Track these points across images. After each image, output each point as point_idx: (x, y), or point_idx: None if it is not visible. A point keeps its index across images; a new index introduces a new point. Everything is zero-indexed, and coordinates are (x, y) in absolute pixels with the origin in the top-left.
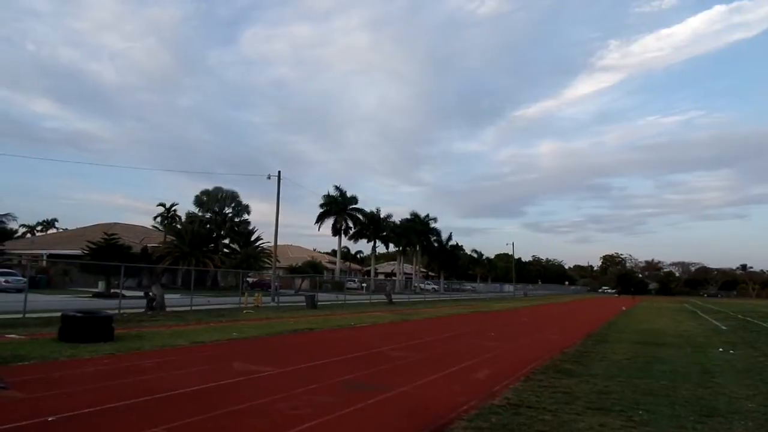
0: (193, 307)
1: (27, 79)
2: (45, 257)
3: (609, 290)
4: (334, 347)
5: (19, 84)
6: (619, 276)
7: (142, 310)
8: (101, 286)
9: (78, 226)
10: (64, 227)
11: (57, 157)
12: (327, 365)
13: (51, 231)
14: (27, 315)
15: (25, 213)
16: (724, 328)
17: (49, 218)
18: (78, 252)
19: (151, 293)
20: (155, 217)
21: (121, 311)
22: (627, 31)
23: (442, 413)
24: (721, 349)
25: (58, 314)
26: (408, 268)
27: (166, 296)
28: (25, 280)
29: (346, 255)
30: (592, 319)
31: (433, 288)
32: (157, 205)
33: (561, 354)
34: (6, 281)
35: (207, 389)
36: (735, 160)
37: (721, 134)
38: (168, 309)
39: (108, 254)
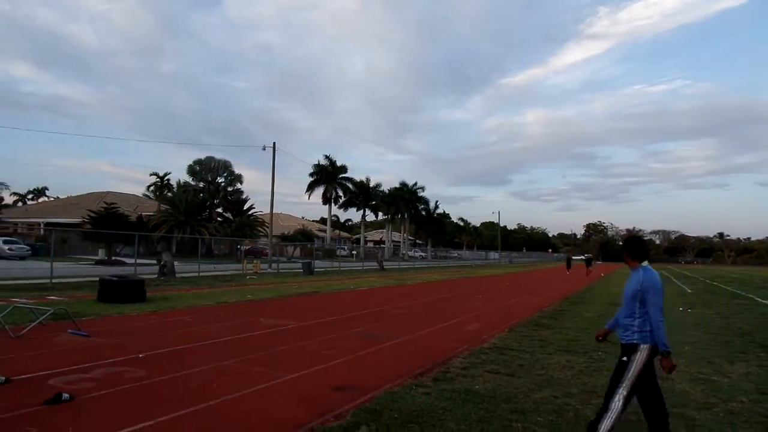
0: (201, 274)
1: (3, 40)
2: (42, 225)
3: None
4: (340, 306)
5: None
6: (600, 244)
7: (154, 276)
8: (101, 254)
9: (67, 195)
10: (54, 195)
11: (35, 122)
12: (339, 320)
13: (42, 199)
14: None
15: (8, 181)
16: (689, 291)
17: (40, 186)
18: (77, 220)
19: (162, 260)
20: (149, 186)
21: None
22: None
23: (443, 354)
24: (681, 309)
25: (78, 279)
26: (396, 235)
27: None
28: (28, 248)
29: (336, 223)
30: (572, 284)
31: (420, 255)
32: (150, 175)
33: (540, 312)
34: (10, 249)
35: (249, 337)
36: (718, 129)
37: (706, 104)
38: (177, 275)
39: (108, 223)
